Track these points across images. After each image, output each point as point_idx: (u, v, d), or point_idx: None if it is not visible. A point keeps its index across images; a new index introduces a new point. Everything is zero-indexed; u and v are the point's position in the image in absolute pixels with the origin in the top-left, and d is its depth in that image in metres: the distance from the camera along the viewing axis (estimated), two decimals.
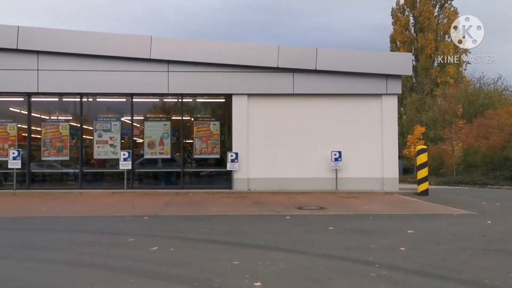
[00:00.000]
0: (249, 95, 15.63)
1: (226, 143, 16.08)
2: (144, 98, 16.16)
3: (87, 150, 15.86)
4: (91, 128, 15.60)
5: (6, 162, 14.75)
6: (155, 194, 14.57)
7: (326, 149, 15.20)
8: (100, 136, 15.49)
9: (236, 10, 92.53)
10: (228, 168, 15.22)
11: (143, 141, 15.77)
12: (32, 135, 15.51)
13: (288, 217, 9.75)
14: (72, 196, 14.19)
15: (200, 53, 15.46)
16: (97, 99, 16.13)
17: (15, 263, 5.72)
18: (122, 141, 15.72)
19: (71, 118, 15.89)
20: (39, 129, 15.55)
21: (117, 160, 15.16)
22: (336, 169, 15.10)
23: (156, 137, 15.63)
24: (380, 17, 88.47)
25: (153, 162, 16.05)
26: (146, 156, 15.73)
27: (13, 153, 14.68)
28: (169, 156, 15.73)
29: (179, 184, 15.73)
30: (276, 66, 15.31)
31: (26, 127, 15.45)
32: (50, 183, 15.83)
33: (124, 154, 14.90)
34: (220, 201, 12.99)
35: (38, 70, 15.07)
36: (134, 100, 15.67)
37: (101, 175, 16.27)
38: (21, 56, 15.02)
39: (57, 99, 16.05)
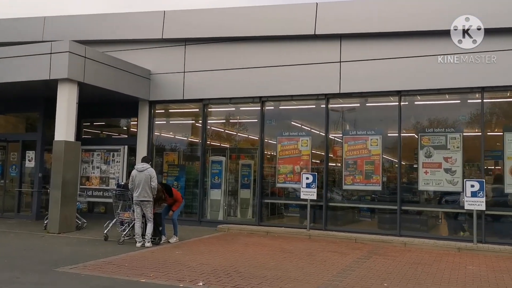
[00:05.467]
0: None
1: None
2: (498, 94, 9.97)
3: (410, 177, 10.57)
4: (414, 143, 10.31)
5: (297, 189, 10.80)
6: None
7: None
8: (428, 156, 10.02)
9: None
10: None
11: (502, 166, 9.58)
12: (329, 154, 11.17)
13: None
14: (394, 250, 9.02)
15: None
16: (420, 101, 10.75)
17: None
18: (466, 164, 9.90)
19: (383, 129, 10.82)
20: (336, 146, 11.12)
21: (456, 194, 9.56)
22: None
23: None
24: None
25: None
26: (508, 190, 9.47)
27: (307, 178, 10.58)
28: None
29: None
30: None
31: (325, 145, 11.18)
32: (353, 222, 11.10)
33: (472, 186, 9.13)
34: None
35: (340, 62, 10.70)
36: (485, 99, 9.71)
37: (424, 215, 10.64)
38: (319, 44, 10.92)
39: (358, 104, 11.33)
